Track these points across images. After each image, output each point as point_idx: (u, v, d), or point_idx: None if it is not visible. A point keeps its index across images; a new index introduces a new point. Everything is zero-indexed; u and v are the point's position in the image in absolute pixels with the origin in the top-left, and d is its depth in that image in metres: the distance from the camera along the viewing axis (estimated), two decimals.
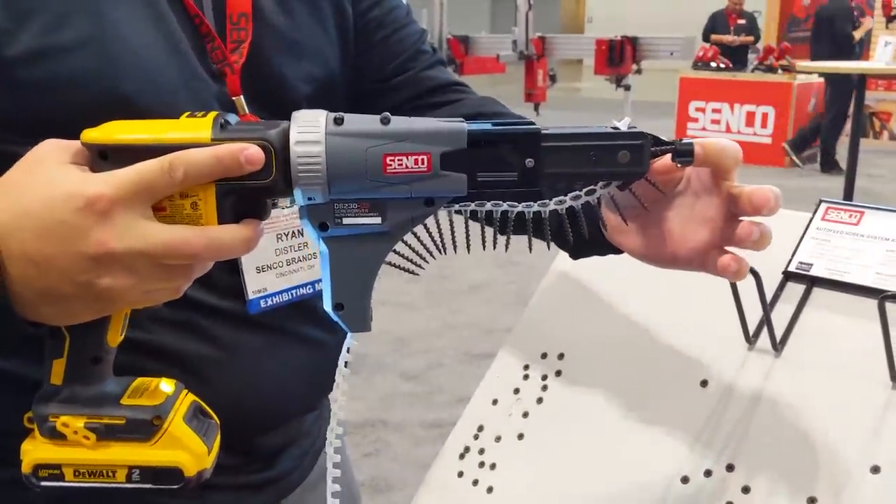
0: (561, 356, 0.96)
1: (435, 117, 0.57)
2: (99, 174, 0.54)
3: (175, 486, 0.61)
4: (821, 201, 0.90)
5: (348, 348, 0.61)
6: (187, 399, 0.64)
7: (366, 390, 3.47)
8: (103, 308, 0.56)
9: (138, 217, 0.54)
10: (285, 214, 0.80)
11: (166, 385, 0.62)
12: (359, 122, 0.56)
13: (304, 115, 0.56)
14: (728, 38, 9.19)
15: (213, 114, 0.57)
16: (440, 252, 0.61)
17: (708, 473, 0.80)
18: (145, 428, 0.60)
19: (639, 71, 6.57)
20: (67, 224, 0.53)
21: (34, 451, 0.60)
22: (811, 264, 0.86)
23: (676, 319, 0.91)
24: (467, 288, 4.63)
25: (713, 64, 8.89)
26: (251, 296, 0.77)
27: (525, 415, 0.94)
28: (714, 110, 8.65)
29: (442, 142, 0.55)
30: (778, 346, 0.84)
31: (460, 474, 0.94)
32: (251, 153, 0.54)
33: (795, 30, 12.71)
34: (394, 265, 0.60)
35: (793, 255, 0.88)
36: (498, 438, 0.94)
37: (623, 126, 0.58)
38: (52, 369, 0.60)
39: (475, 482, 0.93)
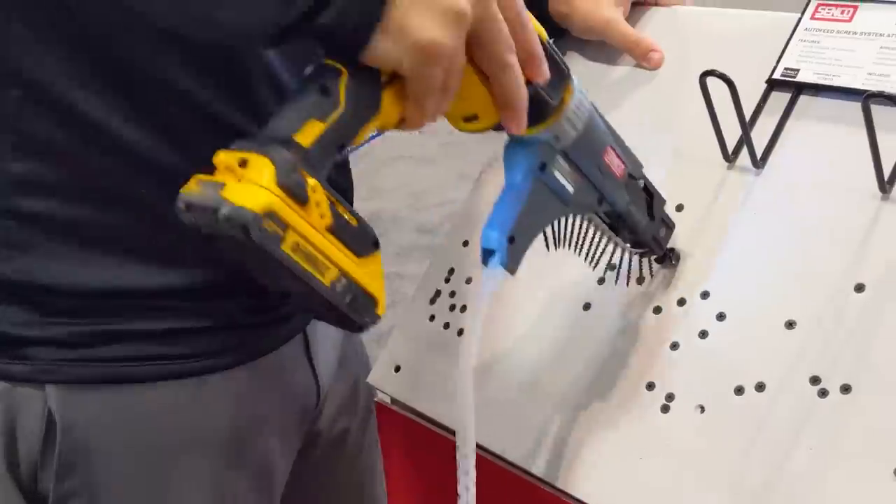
0: None
1: None
2: None
3: (359, 322, 0.54)
4: None
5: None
6: None
7: (382, 245, 3.46)
8: (449, 26, 0.52)
9: None
10: None
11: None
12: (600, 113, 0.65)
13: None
14: None
15: None
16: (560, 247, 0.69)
17: (681, 302, 0.75)
18: (365, 245, 0.54)
19: None
20: None
21: (271, 196, 0.48)
22: (797, 70, 0.78)
23: (649, 140, 0.84)
24: (483, 137, 4.51)
25: None
26: None
27: None
28: None
29: (632, 165, 0.68)
30: (759, 162, 0.76)
31: (431, 318, 0.90)
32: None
33: None
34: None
35: (778, 62, 0.79)
36: (468, 280, 0.90)
37: None
38: (305, 126, 0.50)
39: (446, 325, 0.89)
